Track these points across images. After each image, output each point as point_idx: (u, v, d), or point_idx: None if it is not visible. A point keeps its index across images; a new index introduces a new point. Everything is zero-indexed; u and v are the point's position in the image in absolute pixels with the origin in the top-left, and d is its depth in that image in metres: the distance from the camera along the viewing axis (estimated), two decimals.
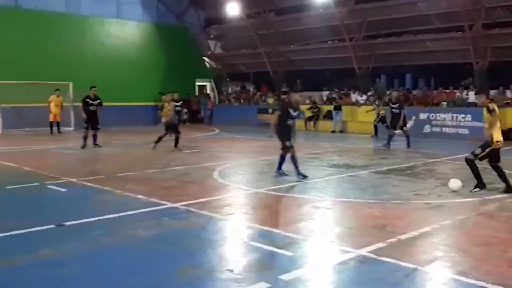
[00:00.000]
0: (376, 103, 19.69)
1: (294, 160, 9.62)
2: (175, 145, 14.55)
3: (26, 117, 20.79)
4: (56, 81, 21.65)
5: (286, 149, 9.59)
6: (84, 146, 14.76)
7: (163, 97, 15.85)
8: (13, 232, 5.99)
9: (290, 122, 9.69)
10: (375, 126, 19.45)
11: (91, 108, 14.96)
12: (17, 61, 21.98)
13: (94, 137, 15.05)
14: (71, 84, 22.14)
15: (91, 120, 14.93)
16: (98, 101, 15.17)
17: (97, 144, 15.05)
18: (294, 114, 9.73)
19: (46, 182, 9.29)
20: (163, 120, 14.77)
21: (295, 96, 10.33)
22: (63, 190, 8.71)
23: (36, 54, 22.66)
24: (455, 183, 8.36)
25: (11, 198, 8.28)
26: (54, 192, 8.60)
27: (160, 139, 14.67)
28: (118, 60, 25.79)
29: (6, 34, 22.14)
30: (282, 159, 9.80)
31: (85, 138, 14.85)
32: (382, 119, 18.72)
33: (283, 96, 22.50)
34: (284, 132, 9.66)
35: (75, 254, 5.28)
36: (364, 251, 5.21)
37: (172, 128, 14.75)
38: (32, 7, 23.45)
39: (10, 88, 20.18)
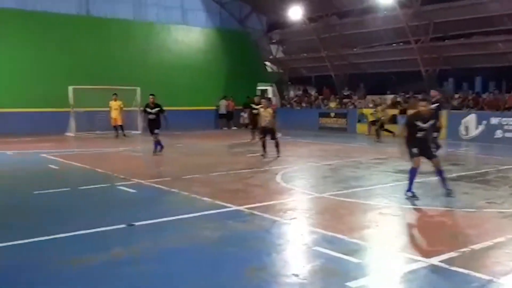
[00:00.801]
0: (379, 107, 20.41)
1: (439, 173, 8.45)
2: (277, 151, 14.17)
3: (97, 120, 21.72)
4: (125, 85, 22.57)
5: (413, 161, 8.38)
6: (154, 152, 14.72)
7: (262, 101, 15.58)
8: (85, 231, 6.27)
9: (420, 134, 8.25)
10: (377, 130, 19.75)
11: (150, 116, 14.70)
12: (89, 67, 23.06)
13: (155, 144, 14.72)
14: (138, 89, 22.98)
15: (150, 127, 14.74)
16: (157, 109, 14.66)
17: (156, 152, 14.65)
18: (424, 125, 8.24)
19: (116, 184, 9.66)
20: (262, 124, 14.48)
21: (421, 105, 8.40)
22: (133, 191, 9.02)
23: (106, 60, 23.70)
24: None
25: (83, 198, 8.66)
26: (124, 193, 8.92)
27: (263, 145, 14.29)
28: (183, 65, 26.48)
29: (78, 41, 23.29)
30: (411, 175, 8.42)
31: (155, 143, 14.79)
32: (381, 124, 19.39)
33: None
34: (414, 145, 8.29)
35: (146, 254, 5.45)
36: (435, 261, 5.03)
37: (269, 132, 14.41)
38: (102, 15, 24.56)
39: (82, 93, 21.26)
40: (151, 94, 15.12)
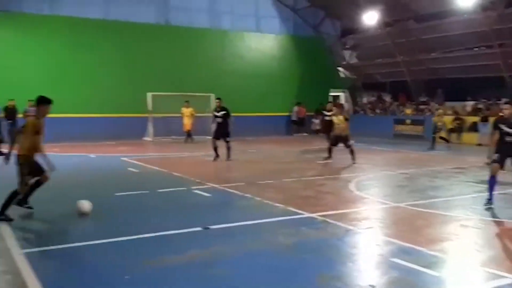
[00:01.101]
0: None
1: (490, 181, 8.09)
2: (353, 158, 14.14)
3: (172, 126, 22.45)
4: (199, 92, 23.23)
5: (490, 168, 7.97)
6: (215, 158, 14.50)
7: (334, 107, 15.69)
8: (163, 232, 6.49)
9: (509, 139, 7.82)
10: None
11: (217, 120, 14.57)
12: (166, 74, 24.01)
13: (228, 149, 14.50)
14: (212, 96, 23.50)
15: (217, 133, 14.57)
16: (223, 112, 14.55)
17: (229, 158, 14.45)
18: (510, 130, 7.82)
19: (192, 187, 9.92)
20: (336, 132, 14.47)
21: (505, 109, 8.04)
22: (208, 195, 9.24)
23: (182, 67, 24.54)
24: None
25: (161, 201, 8.98)
26: (199, 196, 9.15)
27: (329, 151, 14.51)
28: (256, 72, 26.84)
29: (157, 49, 24.27)
30: (491, 184, 8.02)
31: (215, 149, 14.53)
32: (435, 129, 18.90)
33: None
34: (499, 151, 7.91)
35: (221, 257, 5.55)
36: None
37: (341, 140, 14.37)
38: (179, 24, 25.45)
39: (159, 99, 22.12)
40: (217, 98, 15.28)
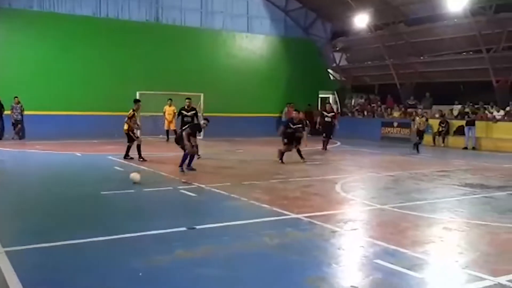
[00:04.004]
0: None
1: None
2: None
3: (160, 125, 22.31)
4: (189, 92, 23.11)
5: None
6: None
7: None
8: (149, 232, 6.45)
9: None
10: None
11: (185, 119, 15.15)
12: (156, 73, 23.90)
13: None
14: (202, 95, 23.49)
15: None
16: (193, 112, 15.33)
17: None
18: None
19: (179, 187, 9.89)
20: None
21: None
22: (194, 195, 9.20)
23: (172, 66, 24.45)
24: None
25: (147, 200, 8.94)
26: (185, 196, 9.12)
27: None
28: (246, 72, 26.85)
29: (148, 47, 24.16)
30: None
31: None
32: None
33: None
34: None
35: (207, 257, 5.53)
36: (503, 280, 4.79)
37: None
38: (170, 23, 25.37)
39: (148, 98, 21.93)
40: (187, 98, 15.76)
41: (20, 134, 20.74)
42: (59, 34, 22.38)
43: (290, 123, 14.81)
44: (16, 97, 20.38)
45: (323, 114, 19.78)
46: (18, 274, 4.75)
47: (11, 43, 21.55)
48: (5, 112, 20.60)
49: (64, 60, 22.33)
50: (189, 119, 15.14)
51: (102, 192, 9.23)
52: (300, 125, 14.76)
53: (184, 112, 15.47)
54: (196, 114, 15.40)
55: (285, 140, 14.42)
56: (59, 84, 21.97)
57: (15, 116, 20.56)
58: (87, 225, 6.93)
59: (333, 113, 19.67)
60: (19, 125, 20.73)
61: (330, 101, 30.00)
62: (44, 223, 7.06)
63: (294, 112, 16.57)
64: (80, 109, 22.30)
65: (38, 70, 21.67)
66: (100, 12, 23.68)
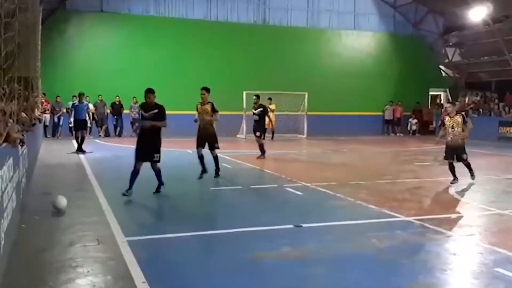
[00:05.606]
0: None
1: None
2: (471, 174, 10.73)
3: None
4: (294, 91, 23.31)
5: None
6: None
7: (447, 106, 12.76)
8: (255, 228, 6.56)
9: None
10: None
11: (254, 118, 15.26)
12: (263, 73, 24.35)
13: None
14: (306, 94, 23.52)
15: (254, 128, 15.21)
16: (260, 109, 15.12)
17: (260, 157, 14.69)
18: None
19: (284, 185, 9.97)
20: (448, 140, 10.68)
21: None
22: (299, 193, 9.21)
23: (278, 66, 24.75)
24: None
25: (254, 197, 9.13)
26: (291, 194, 9.15)
27: (451, 169, 10.48)
28: (351, 70, 26.37)
29: (254, 48, 24.72)
30: None
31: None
32: None
33: None
34: None
35: (313, 256, 5.51)
36: None
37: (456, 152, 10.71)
38: (277, 24, 25.71)
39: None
40: (255, 95, 15.65)
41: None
42: (173, 37, 23.66)
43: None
44: (135, 97, 21.87)
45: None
46: (140, 263, 5.05)
47: (129, 46, 23.14)
48: (125, 111, 22.25)
49: (177, 62, 23.53)
50: (257, 117, 15.14)
51: (211, 188, 9.58)
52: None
53: (253, 110, 15.59)
54: (264, 112, 15.22)
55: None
56: (173, 84, 23.14)
57: (133, 115, 22.16)
58: (198, 220, 7.24)
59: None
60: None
61: (442, 98, 28.60)
62: (160, 216, 7.50)
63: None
64: (192, 109, 23.29)
65: (153, 72, 23.01)
66: (211, 16, 24.67)
